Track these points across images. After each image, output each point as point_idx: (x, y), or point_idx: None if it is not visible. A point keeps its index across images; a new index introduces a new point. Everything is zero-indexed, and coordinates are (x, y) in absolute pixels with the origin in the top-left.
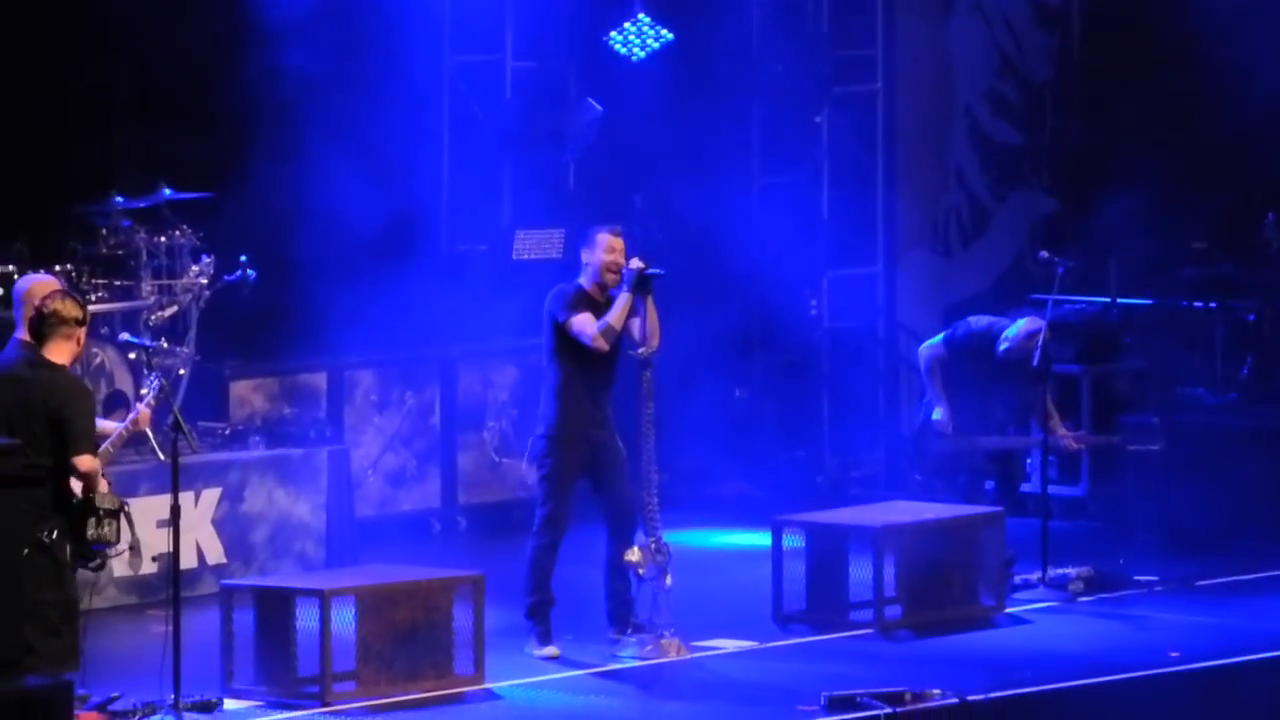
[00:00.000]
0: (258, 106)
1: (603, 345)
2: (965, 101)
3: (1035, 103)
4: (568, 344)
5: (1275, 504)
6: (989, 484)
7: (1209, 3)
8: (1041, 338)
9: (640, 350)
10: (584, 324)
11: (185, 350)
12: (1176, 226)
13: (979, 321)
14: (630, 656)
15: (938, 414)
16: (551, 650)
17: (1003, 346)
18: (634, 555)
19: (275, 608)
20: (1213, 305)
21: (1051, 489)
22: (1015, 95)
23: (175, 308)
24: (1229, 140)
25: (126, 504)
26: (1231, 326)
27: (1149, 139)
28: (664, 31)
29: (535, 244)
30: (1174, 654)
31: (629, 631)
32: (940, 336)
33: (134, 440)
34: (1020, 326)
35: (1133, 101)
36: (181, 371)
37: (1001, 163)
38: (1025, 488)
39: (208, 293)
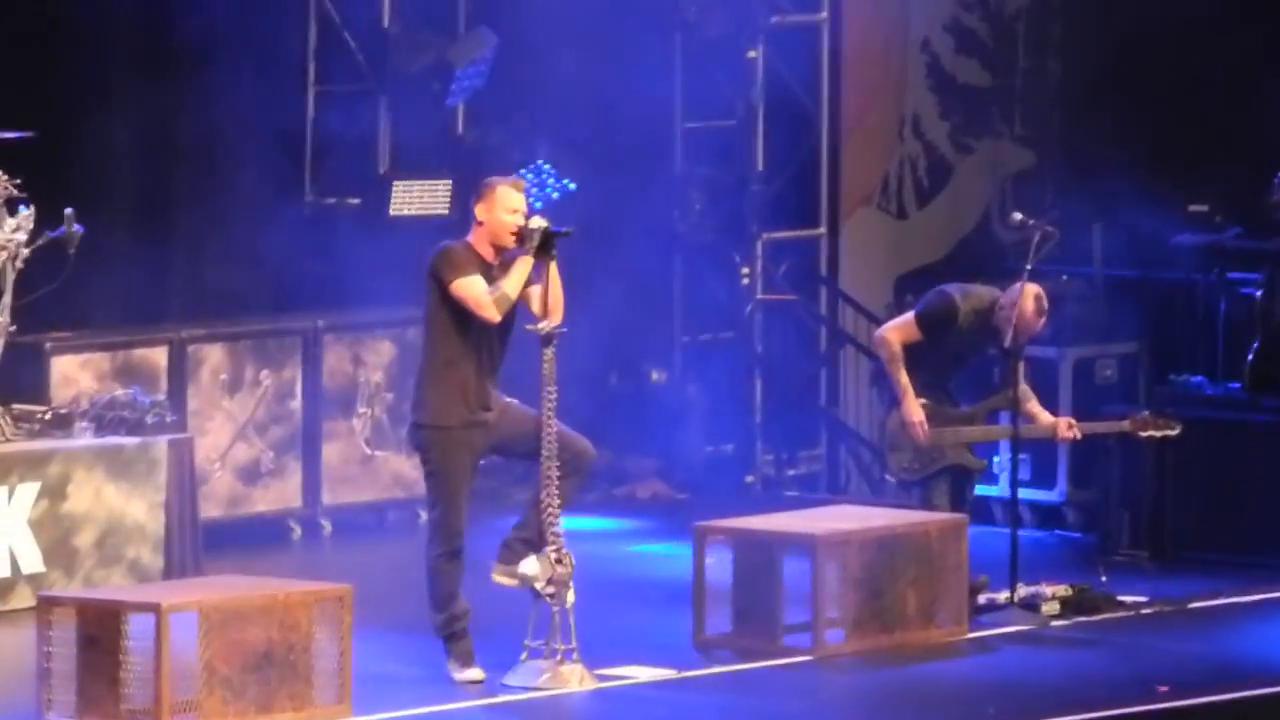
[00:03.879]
0: (88, 31)
1: (493, 315)
2: (924, 35)
3: (1006, 38)
4: (453, 312)
5: None
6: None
7: None
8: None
9: (540, 325)
10: (472, 288)
11: None
12: (1172, 186)
13: (957, 289)
14: (523, 686)
15: (907, 409)
16: (475, 673)
17: (1001, 316)
18: (531, 567)
19: (103, 625)
20: (1213, 279)
21: (1023, 493)
22: (982, 28)
23: None
24: (1234, 87)
25: None
26: (1235, 304)
27: (1140, 82)
28: None
29: (417, 198)
30: (1162, 688)
31: (512, 567)
32: (909, 315)
33: None
34: (1025, 294)
35: (1121, 38)
36: None
37: (966, 108)
38: (993, 491)
39: (26, 251)
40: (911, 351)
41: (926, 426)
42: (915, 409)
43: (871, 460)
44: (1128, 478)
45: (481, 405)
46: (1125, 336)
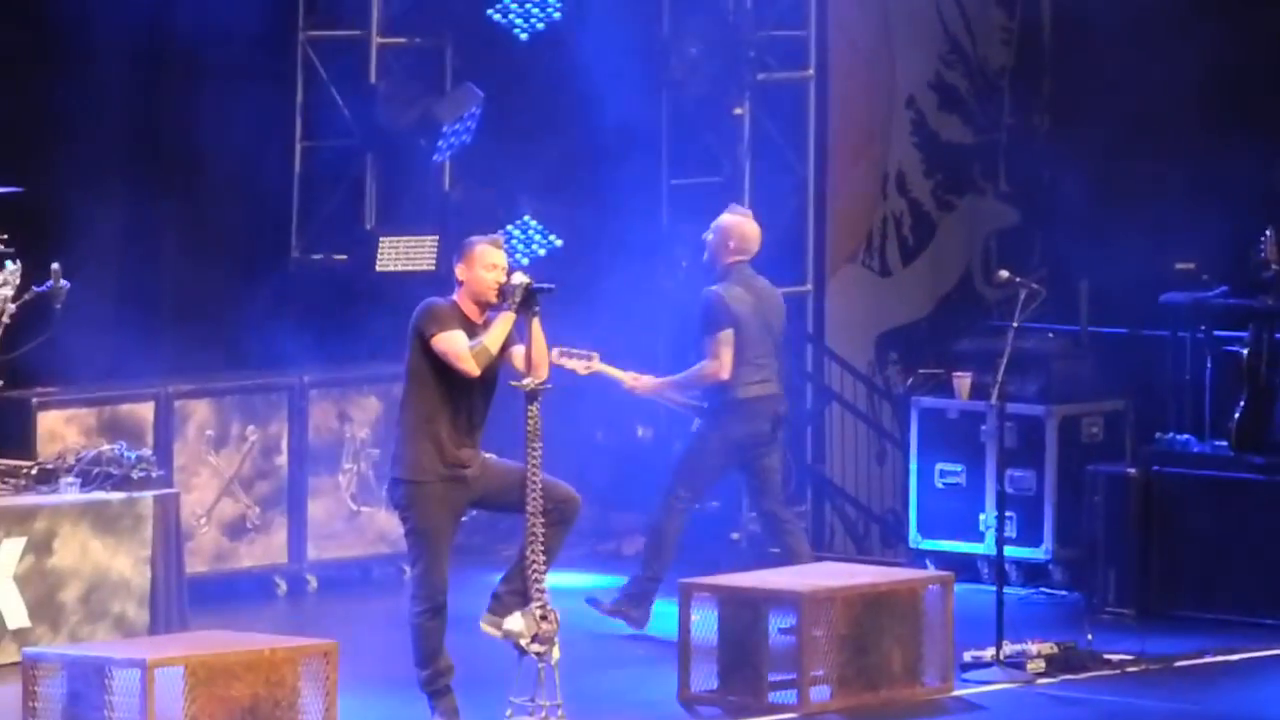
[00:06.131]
0: (78, 88)
1: (473, 369)
2: (909, 92)
3: (990, 95)
4: (434, 367)
5: (1271, 571)
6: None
7: None
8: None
9: (525, 381)
10: (453, 342)
11: None
12: (1159, 244)
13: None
14: None
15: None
16: None
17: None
18: (516, 623)
19: (89, 680)
20: (1200, 336)
21: (1009, 551)
22: (964, 85)
23: None
24: (1221, 142)
25: None
26: (1221, 362)
27: (1126, 139)
28: (556, 6)
29: (403, 253)
30: None
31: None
32: (712, 341)
33: None
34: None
35: (1106, 96)
36: None
37: (949, 165)
38: (979, 549)
39: (13, 305)
40: (742, 357)
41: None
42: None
43: (856, 517)
44: (1113, 535)
45: (460, 462)
46: (1112, 394)
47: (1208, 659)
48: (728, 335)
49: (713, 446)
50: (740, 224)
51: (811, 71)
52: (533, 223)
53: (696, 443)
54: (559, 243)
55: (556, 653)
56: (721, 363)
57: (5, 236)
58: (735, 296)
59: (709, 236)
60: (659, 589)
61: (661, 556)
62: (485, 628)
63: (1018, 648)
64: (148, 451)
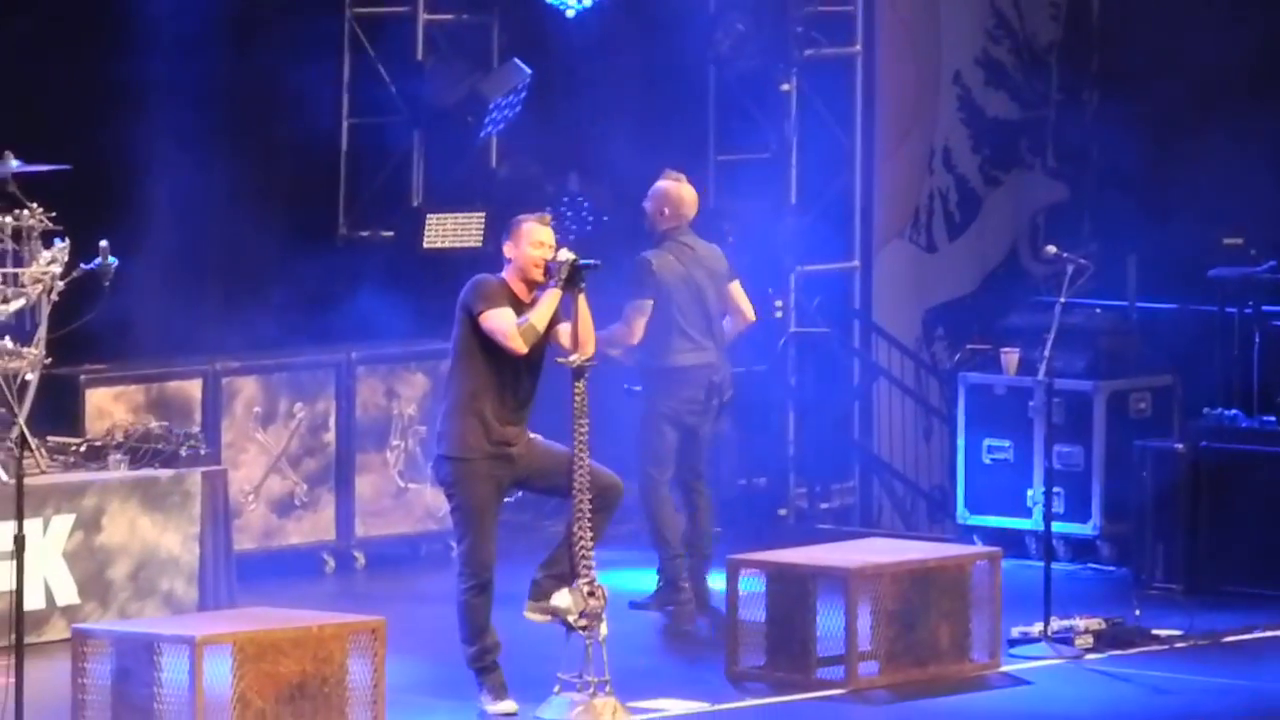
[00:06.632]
0: (122, 66)
1: (520, 347)
2: (955, 68)
3: (1037, 70)
4: (482, 344)
5: None
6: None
7: None
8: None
9: (571, 358)
10: (500, 319)
11: (33, 352)
12: (1207, 219)
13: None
14: (555, 718)
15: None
16: (508, 706)
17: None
18: (563, 600)
19: (137, 657)
20: (1248, 311)
21: (1057, 527)
22: (1011, 60)
23: (22, 301)
24: (1270, 117)
25: None
26: (1269, 336)
27: (1175, 114)
28: None
29: (450, 230)
30: None
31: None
32: (629, 308)
33: None
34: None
35: (1156, 72)
36: (29, 377)
37: (996, 141)
38: (1026, 525)
39: (61, 283)
40: (665, 320)
41: None
42: None
43: (904, 493)
44: (1161, 510)
45: (505, 439)
46: (1160, 370)
47: (1256, 634)
48: (645, 305)
49: (654, 418)
50: (674, 189)
51: (859, 47)
52: (580, 199)
53: (641, 423)
54: (606, 219)
55: (604, 629)
56: (631, 330)
57: (54, 214)
58: (665, 265)
59: (647, 204)
60: (686, 562)
61: (670, 534)
62: (529, 615)
63: (1065, 623)
64: (196, 428)
